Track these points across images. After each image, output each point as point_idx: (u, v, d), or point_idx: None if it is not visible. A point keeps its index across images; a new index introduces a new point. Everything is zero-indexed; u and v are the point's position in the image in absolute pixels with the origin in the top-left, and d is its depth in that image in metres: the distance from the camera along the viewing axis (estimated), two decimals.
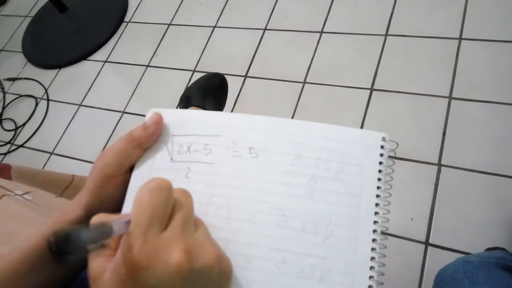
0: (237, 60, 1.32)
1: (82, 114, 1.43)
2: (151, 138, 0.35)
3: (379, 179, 0.32)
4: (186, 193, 0.28)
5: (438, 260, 0.88)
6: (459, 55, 1.09)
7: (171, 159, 0.34)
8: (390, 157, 0.33)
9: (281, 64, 1.26)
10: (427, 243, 0.90)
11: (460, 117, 1.01)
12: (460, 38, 1.12)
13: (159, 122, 0.35)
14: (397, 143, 0.34)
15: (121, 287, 0.24)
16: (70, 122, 1.43)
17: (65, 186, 0.91)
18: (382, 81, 1.13)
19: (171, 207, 0.26)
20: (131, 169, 0.35)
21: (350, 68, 1.18)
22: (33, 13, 1.81)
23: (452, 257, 0.64)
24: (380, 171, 0.32)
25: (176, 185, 0.32)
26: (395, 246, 0.91)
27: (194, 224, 0.27)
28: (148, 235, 0.24)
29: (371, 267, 0.30)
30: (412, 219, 0.93)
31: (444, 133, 1.01)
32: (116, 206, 0.33)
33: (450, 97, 1.05)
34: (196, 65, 1.37)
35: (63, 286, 0.37)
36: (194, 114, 0.36)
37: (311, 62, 1.23)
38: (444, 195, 0.94)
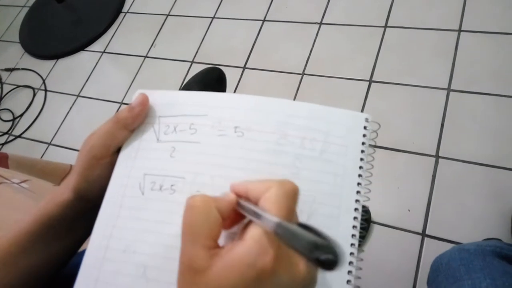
0: (236, 51, 1.31)
1: (80, 104, 1.43)
2: (137, 119, 0.35)
3: (361, 159, 0.33)
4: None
5: (435, 251, 0.86)
6: (458, 47, 1.09)
7: (157, 139, 0.34)
8: (371, 145, 0.34)
9: (280, 55, 1.26)
10: (424, 234, 0.90)
11: (459, 109, 1.02)
12: (459, 30, 1.11)
13: (145, 103, 0.35)
14: (379, 124, 0.35)
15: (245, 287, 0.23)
16: (68, 112, 1.42)
17: (62, 176, 0.91)
18: (381, 73, 1.13)
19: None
20: (118, 150, 0.35)
21: (349, 59, 1.18)
22: (30, 3, 1.80)
23: (448, 248, 0.65)
24: (362, 151, 0.33)
25: (161, 164, 0.33)
26: (392, 236, 0.91)
27: None
28: (281, 246, 0.24)
29: (352, 244, 0.31)
30: (409, 210, 0.93)
31: (442, 125, 1.01)
32: (103, 187, 0.34)
33: (449, 89, 1.05)
34: (195, 56, 1.37)
35: (56, 270, 0.38)
36: (181, 95, 0.36)
37: (310, 54, 1.23)
38: (441, 186, 0.94)
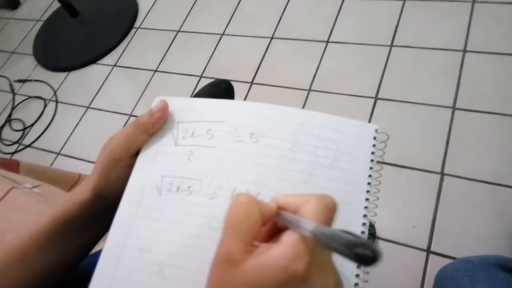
0: (244, 67, 1.34)
1: (90, 116, 1.45)
2: (156, 124, 0.36)
3: (371, 168, 0.34)
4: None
5: (440, 268, 0.88)
6: (463, 66, 1.11)
7: (176, 143, 0.35)
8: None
9: (287, 71, 1.28)
10: (428, 251, 0.90)
11: (464, 127, 1.03)
12: (465, 50, 1.13)
13: (165, 109, 0.36)
14: (387, 135, 0.36)
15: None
16: (77, 124, 1.45)
17: (71, 184, 0.93)
18: (387, 91, 1.14)
19: None
20: (136, 153, 0.36)
21: (355, 77, 1.20)
22: (45, 17, 1.85)
23: None
24: (372, 160, 0.34)
25: (178, 167, 0.34)
26: (397, 253, 0.91)
27: None
28: (316, 249, 0.24)
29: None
30: (414, 226, 0.94)
31: (447, 143, 1.01)
32: (121, 188, 0.35)
33: (454, 108, 1.06)
34: (203, 71, 1.39)
35: (69, 270, 0.38)
36: (199, 102, 0.38)
37: (316, 71, 1.25)
38: (446, 203, 0.94)
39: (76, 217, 0.36)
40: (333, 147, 0.34)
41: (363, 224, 0.32)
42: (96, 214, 0.36)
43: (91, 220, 0.36)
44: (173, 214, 0.33)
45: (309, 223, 0.24)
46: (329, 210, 0.25)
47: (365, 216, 0.32)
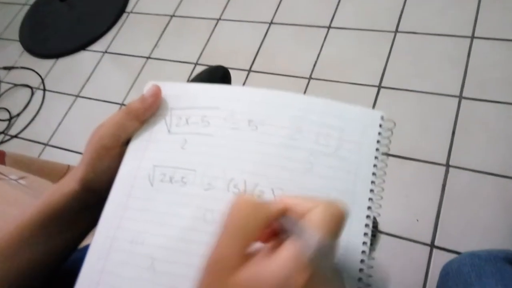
0: (241, 54, 1.33)
1: (79, 105, 1.44)
2: (148, 110, 0.35)
3: (376, 158, 0.33)
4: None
5: (443, 263, 0.87)
6: (470, 53, 1.10)
7: (169, 131, 0.35)
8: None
9: (287, 59, 1.27)
10: (432, 245, 0.90)
11: (470, 117, 1.02)
12: (472, 37, 1.13)
13: (158, 94, 0.36)
14: (394, 122, 0.35)
15: None
16: (66, 113, 1.44)
17: (60, 176, 0.92)
18: (391, 79, 1.14)
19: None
20: (127, 142, 0.35)
21: (358, 64, 1.19)
22: (31, 1, 1.83)
23: None
24: (377, 149, 0.33)
25: (172, 156, 0.34)
26: (400, 247, 0.92)
27: None
28: (319, 262, 0.23)
29: (364, 243, 0.31)
30: (417, 220, 0.94)
31: (453, 133, 1.01)
32: (110, 179, 0.34)
33: (461, 97, 1.06)
34: (199, 58, 1.38)
35: (56, 264, 0.38)
36: (194, 87, 0.37)
37: (317, 58, 1.24)
38: (451, 196, 0.94)
39: (63, 210, 0.35)
40: (336, 135, 0.34)
41: (367, 216, 0.31)
42: (84, 207, 0.36)
43: (79, 213, 0.36)
44: (166, 205, 0.33)
45: (313, 236, 0.23)
46: (337, 220, 0.24)
47: (369, 208, 0.32)
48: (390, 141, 0.34)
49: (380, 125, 0.34)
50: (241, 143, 0.34)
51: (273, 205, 0.26)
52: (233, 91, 0.36)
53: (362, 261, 0.30)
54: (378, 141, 0.34)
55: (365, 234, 0.31)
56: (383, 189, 0.33)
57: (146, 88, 0.36)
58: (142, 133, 0.35)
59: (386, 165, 0.34)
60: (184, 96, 0.36)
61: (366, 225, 0.31)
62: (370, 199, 0.32)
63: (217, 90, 0.36)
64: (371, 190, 0.32)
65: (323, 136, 0.33)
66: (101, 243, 0.32)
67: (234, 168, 0.33)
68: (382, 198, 0.33)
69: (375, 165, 0.33)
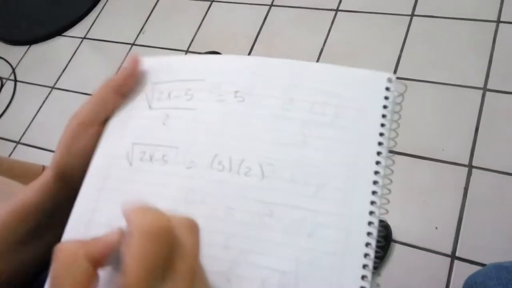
0: (238, 40, 1.33)
1: (55, 98, 1.44)
2: (128, 80, 0.36)
3: (382, 125, 0.32)
4: (192, 229, 0.26)
5: (466, 276, 0.87)
6: (496, 40, 1.10)
7: (150, 106, 0.36)
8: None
9: (289, 45, 1.27)
10: (453, 256, 0.90)
11: (496, 112, 1.02)
12: (498, 21, 1.13)
13: (136, 62, 0.36)
14: (405, 86, 0.34)
15: None
16: (40, 107, 1.44)
17: (33, 178, 0.92)
18: (406, 69, 1.14)
19: (173, 252, 0.24)
20: (107, 121, 0.36)
21: (369, 52, 1.19)
22: None
23: None
24: (384, 115, 0.32)
25: (152, 133, 0.35)
26: (417, 258, 0.92)
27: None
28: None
29: (370, 223, 0.30)
30: (436, 228, 0.94)
31: (476, 130, 1.01)
32: (87, 165, 0.34)
33: (485, 89, 1.06)
34: (190, 44, 1.38)
35: (27, 281, 0.38)
36: (178, 59, 0.38)
37: (323, 45, 1.24)
38: (474, 201, 0.94)
39: (36, 209, 0.35)
40: (333, 102, 0.33)
41: (373, 192, 0.30)
42: (60, 204, 0.35)
43: (54, 214, 0.36)
44: (146, 186, 0.33)
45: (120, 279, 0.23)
46: (155, 243, 0.23)
47: (375, 182, 0.31)
48: (401, 107, 0.33)
49: (387, 88, 0.33)
50: (227, 116, 0.34)
51: (105, 238, 0.25)
52: (220, 61, 0.37)
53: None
54: (385, 106, 0.33)
55: (373, 202, 0.30)
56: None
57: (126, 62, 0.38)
58: (121, 110, 0.36)
59: (396, 143, 0.33)
60: (168, 70, 0.37)
61: (374, 193, 0.30)
62: (375, 182, 0.31)
63: (202, 61, 0.37)
64: (378, 162, 0.31)
65: (319, 105, 0.33)
66: (75, 228, 0.33)
67: (218, 143, 0.33)
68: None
69: (381, 134, 0.32)
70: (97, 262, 0.25)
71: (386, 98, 0.33)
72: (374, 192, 0.30)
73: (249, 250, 0.30)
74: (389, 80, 0.33)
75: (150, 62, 0.37)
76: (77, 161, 0.34)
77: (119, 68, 1.40)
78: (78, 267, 0.24)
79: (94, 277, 0.25)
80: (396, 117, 0.33)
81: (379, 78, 0.34)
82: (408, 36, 1.18)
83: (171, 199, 0.32)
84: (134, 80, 0.36)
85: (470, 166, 0.98)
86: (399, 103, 0.33)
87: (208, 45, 1.36)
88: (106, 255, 0.25)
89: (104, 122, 0.36)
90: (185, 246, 0.25)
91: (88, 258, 0.24)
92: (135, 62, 0.36)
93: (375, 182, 0.31)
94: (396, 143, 0.33)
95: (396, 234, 0.94)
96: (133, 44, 1.45)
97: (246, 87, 0.35)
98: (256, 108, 0.34)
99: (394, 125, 0.33)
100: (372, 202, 0.30)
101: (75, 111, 0.35)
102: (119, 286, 0.22)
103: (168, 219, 0.25)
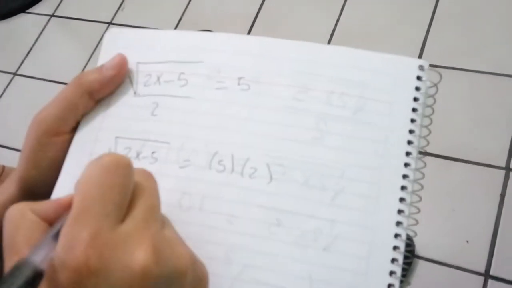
0: (234, 19, 1.34)
1: (17, 86, 1.45)
2: (107, 86, 0.35)
3: (412, 120, 0.32)
4: (149, 176, 0.28)
5: None
6: None
7: (135, 93, 0.35)
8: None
9: (295, 26, 1.27)
10: (487, 275, 0.91)
11: None
12: None
13: (122, 65, 0.35)
14: (440, 74, 0.34)
15: None
16: (0, 96, 1.44)
17: None
18: (433, 53, 1.14)
19: (131, 192, 0.26)
20: (77, 126, 0.36)
21: (389, 35, 1.19)
22: None
23: None
24: (414, 109, 0.32)
25: (139, 125, 0.35)
26: (445, 277, 0.92)
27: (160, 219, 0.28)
28: (101, 226, 0.24)
29: (397, 235, 0.30)
30: (467, 241, 0.94)
31: None
32: (57, 176, 0.34)
33: None
34: (178, 23, 1.39)
35: None
36: (168, 34, 0.38)
37: (335, 26, 1.24)
38: None
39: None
40: (355, 93, 0.33)
41: (401, 199, 0.30)
42: None
43: None
44: None
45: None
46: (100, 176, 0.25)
47: (404, 188, 0.31)
48: (434, 101, 0.33)
49: (419, 78, 0.33)
50: (229, 107, 0.34)
51: (56, 200, 0.28)
52: (221, 41, 0.36)
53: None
54: (415, 99, 0.33)
55: (400, 211, 0.30)
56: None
57: (106, 40, 0.37)
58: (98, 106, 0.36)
59: (428, 142, 0.33)
60: (156, 47, 0.37)
61: (402, 200, 0.31)
62: (405, 176, 0.31)
63: (199, 38, 0.37)
64: (406, 164, 0.31)
65: (338, 95, 0.33)
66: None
67: (218, 139, 0.33)
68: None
69: (411, 131, 0.32)
70: (49, 221, 0.27)
71: (417, 89, 0.33)
72: (402, 200, 0.31)
73: (254, 265, 0.30)
74: (421, 67, 0.33)
75: (134, 37, 0.37)
76: (45, 175, 0.34)
77: (93, 53, 1.42)
78: (27, 221, 0.26)
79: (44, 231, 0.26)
80: (428, 111, 0.33)
81: (410, 66, 0.34)
82: (435, 16, 1.18)
83: (162, 204, 0.31)
84: (114, 87, 0.35)
85: (508, 169, 0.98)
86: (432, 96, 0.33)
87: (200, 24, 1.37)
88: (58, 214, 0.27)
89: (73, 129, 0.35)
90: (145, 188, 0.26)
91: (37, 214, 0.26)
92: (121, 65, 0.35)
93: (403, 188, 0.31)
94: (428, 142, 0.33)
95: (419, 249, 0.94)
96: (110, 23, 1.46)
97: (251, 72, 0.35)
98: (263, 98, 0.34)
99: (426, 121, 0.33)
100: (400, 211, 0.30)
101: (38, 114, 0.34)
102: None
103: (129, 159, 0.26)
